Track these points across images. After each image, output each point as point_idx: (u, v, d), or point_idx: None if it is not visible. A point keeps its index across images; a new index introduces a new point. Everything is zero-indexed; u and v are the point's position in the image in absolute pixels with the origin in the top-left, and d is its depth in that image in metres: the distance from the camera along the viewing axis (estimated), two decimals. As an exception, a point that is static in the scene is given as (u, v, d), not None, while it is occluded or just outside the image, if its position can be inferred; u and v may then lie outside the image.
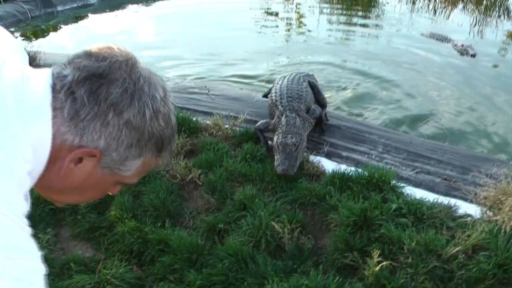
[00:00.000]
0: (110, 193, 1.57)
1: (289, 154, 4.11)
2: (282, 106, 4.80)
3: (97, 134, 1.29)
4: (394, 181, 4.07)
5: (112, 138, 1.31)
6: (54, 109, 1.26)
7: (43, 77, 1.29)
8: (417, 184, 4.29)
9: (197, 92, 6.34)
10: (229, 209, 3.88)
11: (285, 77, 5.50)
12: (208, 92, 6.32)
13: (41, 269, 1.20)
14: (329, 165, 4.41)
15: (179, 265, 3.36)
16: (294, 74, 5.63)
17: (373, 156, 4.75)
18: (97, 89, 1.28)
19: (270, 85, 7.29)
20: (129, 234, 3.58)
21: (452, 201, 3.92)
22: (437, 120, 6.60)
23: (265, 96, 5.98)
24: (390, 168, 4.44)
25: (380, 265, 3.17)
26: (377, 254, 3.21)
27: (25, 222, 1.19)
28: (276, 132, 4.50)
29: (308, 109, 4.93)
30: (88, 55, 1.34)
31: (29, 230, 1.19)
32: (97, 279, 3.14)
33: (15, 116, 1.19)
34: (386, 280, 3.12)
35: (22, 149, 1.20)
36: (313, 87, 5.53)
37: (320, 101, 5.50)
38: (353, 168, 4.30)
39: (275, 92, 5.08)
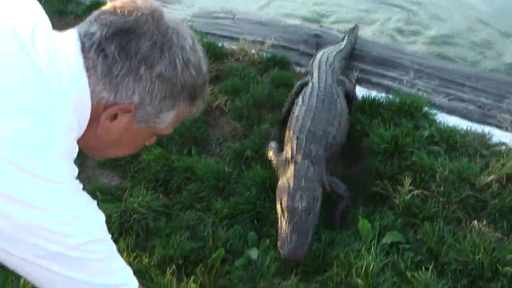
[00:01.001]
0: (146, 144, 1.62)
1: (297, 225, 2.79)
2: (295, 144, 3.26)
3: (131, 90, 1.32)
4: (426, 108, 3.96)
5: (145, 92, 1.33)
6: (87, 69, 1.28)
7: (72, 39, 1.31)
8: (450, 112, 4.17)
9: (222, 17, 6.17)
10: (256, 136, 3.81)
11: (313, 87, 3.71)
12: (234, 17, 6.15)
13: (102, 216, 1.36)
14: (359, 91, 4.28)
15: (206, 193, 3.33)
16: (323, 81, 3.80)
17: (404, 82, 4.61)
18: (126, 44, 1.30)
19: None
20: (155, 162, 3.54)
21: (486, 129, 3.83)
22: (474, 47, 6.33)
23: (284, 119, 3.84)
24: (422, 94, 4.31)
25: (411, 193, 3.10)
26: (409, 183, 3.14)
27: (77, 183, 1.29)
28: (279, 186, 3.08)
29: (334, 153, 3.43)
30: (113, 10, 1.34)
31: (80, 188, 1.31)
32: (124, 207, 3.12)
33: (55, 85, 1.23)
34: (417, 209, 3.06)
35: (68, 118, 1.25)
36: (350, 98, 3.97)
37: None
38: (383, 95, 4.18)
39: (296, 117, 3.48)
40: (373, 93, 4.26)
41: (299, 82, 3.96)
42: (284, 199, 2.91)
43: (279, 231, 2.83)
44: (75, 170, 1.28)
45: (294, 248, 2.69)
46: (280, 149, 3.41)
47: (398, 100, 3.97)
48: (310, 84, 3.77)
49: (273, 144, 3.50)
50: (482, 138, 3.67)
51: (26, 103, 1.16)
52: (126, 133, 1.42)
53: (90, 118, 1.32)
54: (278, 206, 2.93)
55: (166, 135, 1.58)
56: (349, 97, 3.93)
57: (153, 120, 1.41)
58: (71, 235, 1.21)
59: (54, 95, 1.21)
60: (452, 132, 3.65)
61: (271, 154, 3.42)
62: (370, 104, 3.99)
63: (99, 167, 3.69)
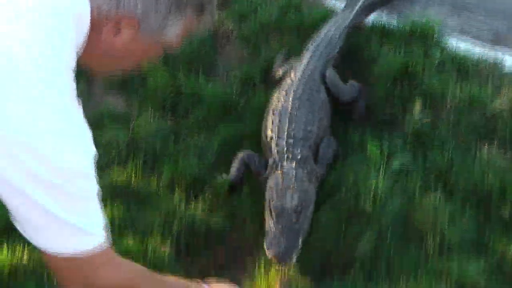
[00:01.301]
0: (152, 58, 1.55)
1: (287, 227, 2.51)
2: (277, 151, 2.92)
3: (134, 0, 1.25)
4: (437, 34, 3.87)
5: (149, 3, 1.27)
6: None
7: None
8: (462, 37, 4.06)
9: None
10: (262, 62, 3.77)
11: (290, 88, 3.22)
12: None
13: (94, 151, 1.26)
14: (368, 18, 4.18)
15: (213, 118, 3.33)
16: (306, 74, 3.32)
17: (416, 8, 4.49)
18: None
19: None
20: (162, 87, 3.52)
21: (499, 55, 3.73)
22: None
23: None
24: (434, 19, 4.20)
25: (421, 119, 3.10)
26: (419, 109, 3.11)
27: (77, 102, 1.22)
28: (268, 187, 2.77)
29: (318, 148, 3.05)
30: None
31: (81, 111, 1.23)
32: (131, 134, 3.13)
33: None
34: (426, 136, 3.05)
35: (68, 28, 1.20)
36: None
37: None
38: (394, 21, 4.08)
39: (271, 121, 3.08)
40: (384, 19, 4.14)
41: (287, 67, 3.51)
42: (273, 199, 2.65)
43: (266, 232, 2.56)
44: (74, 85, 1.23)
45: (283, 252, 2.44)
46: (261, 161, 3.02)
47: (409, 26, 3.87)
48: (291, 75, 3.34)
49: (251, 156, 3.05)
50: (494, 65, 3.61)
51: (29, 14, 1.14)
52: (131, 48, 1.37)
53: (92, 31, 1.27)
54: (266, 206, 2.66)
55: (172, 49, 1.52)
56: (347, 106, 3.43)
57: (158, 33, 1.36)
58: (60, 158, 1.16)
59: (55, 7, 1.18)
60: (463, 59, 3.60)
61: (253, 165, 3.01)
62: (380, 30, 3.91)
63: (105, 93, 3.66)
